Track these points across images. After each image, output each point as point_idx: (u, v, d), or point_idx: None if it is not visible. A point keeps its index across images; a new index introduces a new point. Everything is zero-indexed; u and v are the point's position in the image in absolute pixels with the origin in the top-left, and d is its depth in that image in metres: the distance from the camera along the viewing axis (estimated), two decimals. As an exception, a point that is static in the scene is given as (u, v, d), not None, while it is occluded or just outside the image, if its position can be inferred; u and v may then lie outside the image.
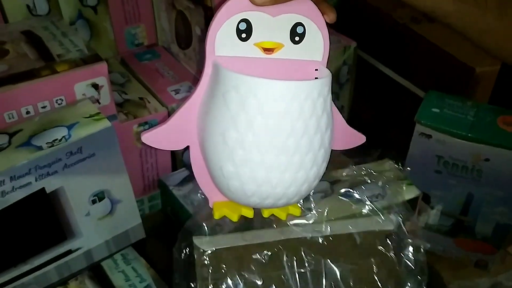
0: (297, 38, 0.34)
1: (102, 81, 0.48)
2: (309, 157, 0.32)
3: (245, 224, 0.39)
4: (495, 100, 0.58)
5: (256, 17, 0.33)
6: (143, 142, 0.35)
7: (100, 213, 0.47)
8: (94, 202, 0.46)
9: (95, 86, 0.48)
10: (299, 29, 0.33)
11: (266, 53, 0.34)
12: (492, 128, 0.49)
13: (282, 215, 0.37)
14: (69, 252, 0.46)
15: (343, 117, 0.38)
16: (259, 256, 0.38)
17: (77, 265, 0.48)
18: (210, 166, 0.34)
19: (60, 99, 0.46)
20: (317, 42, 0.34)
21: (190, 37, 0.61)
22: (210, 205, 0.37)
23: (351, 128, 0.39)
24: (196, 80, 0.61)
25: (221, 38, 0.33)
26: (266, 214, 0.37)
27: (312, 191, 0.37)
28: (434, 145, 0.50)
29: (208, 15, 0.55)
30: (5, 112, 0.44)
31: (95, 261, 0.49)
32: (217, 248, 0.38)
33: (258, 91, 0.30)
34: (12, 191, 0.40)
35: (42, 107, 0.45)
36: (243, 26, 0.33)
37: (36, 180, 0.41)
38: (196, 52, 0.61)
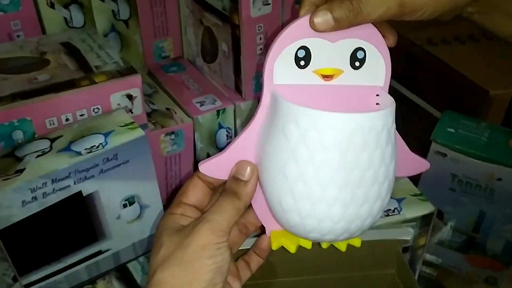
0: (357, 64, 0.33)
1: (136, 92, 0.51)
2: (373, 190, 0.31)
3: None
4: (508, 122, 0.61)
5: (315, 43, 0.32)
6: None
7: (129, 217, 0.49)
8: (125, 206, 0.48)
9: (129, 97, 0.51)
10: (360, 54, 0.32)
11: (325, 80, 0.33)
12: (505, 149, 0.51)
13: (342, 246, 0.35)
14: (99, 252, 0.49)
15: None
16: (280, 258, 0.40)
17: (105, 266, 0.50)
18: (269, 199, 0.33)
19: (97, 108, 0.49)
20: (378, 67, 0.33)
21: (216, 52, 0.64)
22: (268, 233, 0.36)
23: (414, 154, 0.38)
24: (220, 94, 0.64)
25: (280, 67, 0.32)
26: (325, 245, 0.36)
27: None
28: (449, 163, 0.52)
29: (235, 32, 0.58)
30: (46, 118, 0.47)
31: (122, 263, 0.51)
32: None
33: (319, 124, 0.29)
34: (53, 193, 0.43)
35: (80, 115, 0.48)
36: (301, 53, 0.32)
37: (74, 184, 0.44)
38: (222, 66, 0.64)
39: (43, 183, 0.42)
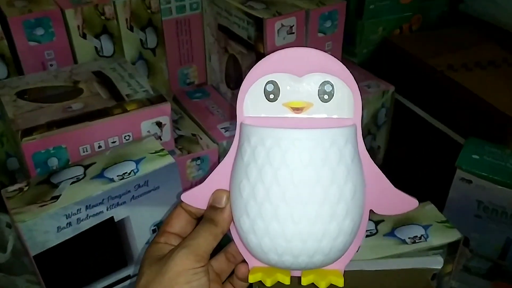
0: (326, 97, 0.33)
1: (165, 120, 0.52)
2: (340, 207, 0.31)
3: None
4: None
5: (282, 78, 0.33)
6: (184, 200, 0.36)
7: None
8: (154, 231, 0.49)
9: (159, 124, 0.52)
10: (327, 88, 0.33)
11: (296, 112, 0.33)
12: (531, 176, 0.51)
13: (321, 284, 0.33)
14: (128, 277, 0.50)
15: (379, 157, 0.37)
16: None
17: (133, 290, 0.51)
18: (239, 227, 0.34)
19: (128, 135, 0.50)
20: (348, 99, 0.33)
21: (240, 79, 0.65)
22: (250, 268, 0.36)
23: (399, 191, 0.36)
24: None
25: (251, 100, 0.33)
26: (304, 282, 0.34)
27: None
28: (474, 190, 0.52)
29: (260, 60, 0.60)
30: (80, 146, 0.48)
31: (149, 287, 0.52)
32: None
33: (282, 141, 0.31)
34: (86, 219, 0.44)
35: (112, 142, 0.50)
36: (270, 87, 0.33)
37: (107, 210, 0.45)
38: (246, 93, 0.66)
39: (78, 209, 0.43)
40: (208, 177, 0.35)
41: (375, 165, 0.34)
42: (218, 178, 0.35)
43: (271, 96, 0.33)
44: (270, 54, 0.33)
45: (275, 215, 0.31)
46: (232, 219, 0.35)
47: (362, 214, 0.34)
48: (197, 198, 0.36)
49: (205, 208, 0.36)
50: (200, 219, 0.36)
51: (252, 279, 0.34)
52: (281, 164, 0.31)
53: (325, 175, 0.30)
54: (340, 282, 0.34)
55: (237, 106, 0.34)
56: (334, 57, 0.33)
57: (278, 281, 0.34)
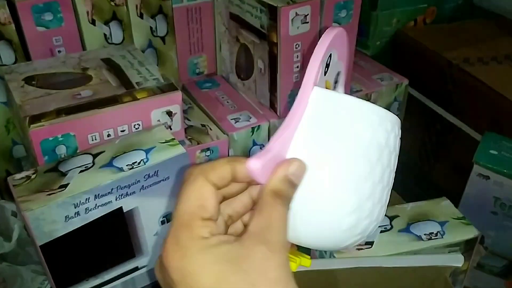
0: (326, 69, 0.33)
1: (176, 108, 0.51)
2: (386, 191, 0.31)
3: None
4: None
5: (335, 54, 0.33)
6: None
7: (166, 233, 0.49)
8: (163, 222, 0.48)
9: (169, 113, 0.51)
10: (329, 60, 0.33)
11: None
12: (550, 172, 0.50)
13: (293, 266, 0.31)
14: (136, 269, 0.49)
15: None
16: (325, 282, 0.39)
17: (141, 282, 0.50)
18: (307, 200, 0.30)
19: (137, 124, 0.49)
20: (341, 85, 0.35)
21: (251, 69, 0.64)
22: None
23: None
24: (254, 110, 0.64)
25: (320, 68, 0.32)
26: (293, 268, 0.31)
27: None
28: (491, 186, 0.51)
29: (272, 50, 0.58)
30: (89, 134, 0.47)
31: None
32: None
33: (383, 121, 0.30)
34: (95, 209, 0.43)
35: (122, 131, 0.49)
36: (329, 61, 0.32)
37: (116, 200, 0.44)
38: (257, 83, 0.64)
39: (86, 199, 0.42)
40: (275, 145, 0.29)
41: None
42: (285, 147, 0.29)
43: (326, 70, 0.32)
44: (341, 28, 0.33)
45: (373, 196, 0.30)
46: None
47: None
48: (264, 169, 0.28)
49: (264, 182, 0.28)
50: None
51: None
52: (392, 149, 0.31)
53: (386, 157, 0.30)
54: (308, 262, 0.32)
55: (310, 71, 0.30)
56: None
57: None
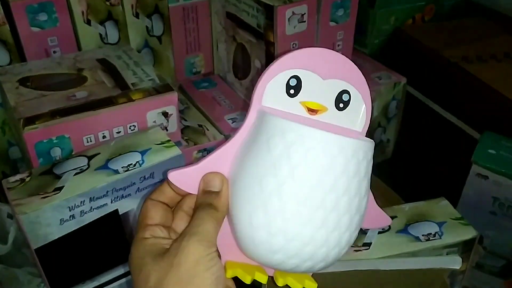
0: (341, 105, 0.33)
1: (172, 109, 0.50)
2: (345, 218, 0.30)
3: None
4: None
5: (308, 76, 0.33)
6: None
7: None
8: (159, 225, 0.48)
9: (165, 114, 0.50)
10: (345, 97, 0.33)
11: (310, 113, 0.33)
12: (549, 172, 0.50)
13: (297, 286, 0.33)
14: (132, 271, 0.48)
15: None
16: (322, 285, 0.39)
17: (138, 285, 0.50)
18: (236, 215, 0.32)
19: (133, 125, 0.49)
20: (360, 113, 0.34)
21: (248, 68, 0.64)
22: (223, 262, 0.34)
23: (379, 209, 0.36)
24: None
25: (271, 90, 0.33)
26: (280, 283, 0.33)
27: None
28: (490, 186, 0.51)
29: (269, 49, 0.58)
30: (84, 136, 0.47)
31: (154, 282, 0.51)
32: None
33: (306, 140, 0.30)
34: (90, 211, 0.43)
35: (117, 132, 0.48)
36: (293, 82, 0.32)
37: (111, 202, 0.43)
38: (254, 83, 0.64)
39: (81, 201, 0.42)
40: (206, 159, 0.33)
41: None
42: (216, 163, 0.33)
43: (292, 92, 0.33)
44: (303, 49, 0.33)
45: (296, 215, 0.30)
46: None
47: (358, 229, 0.32)
48: (187, 180, 0.33)
49: (191, 192, 0.33)
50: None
51: (230, 273, 0.33)
52: (315, 166, 0.30)
53: (341, 184, 0.30)
54: (314, 286, 0.34)
55: (255, 93, 0.33)
56: (353, 63, 0.33)
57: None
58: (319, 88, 0.33)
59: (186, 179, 0.33)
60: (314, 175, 0.30)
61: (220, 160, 0.33)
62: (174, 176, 0.33)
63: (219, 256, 0.32)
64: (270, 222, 0.30)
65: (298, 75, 0.32)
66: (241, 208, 0.32)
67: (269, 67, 0.32)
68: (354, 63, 0.34)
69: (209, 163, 0.33)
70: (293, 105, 0.33)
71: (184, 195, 0.34)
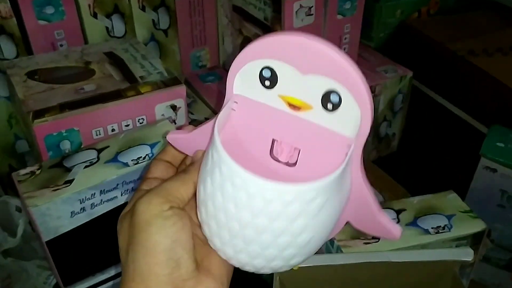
0: (329, 106, 0.27)
1: (180, 103, 0.50)
2: (288, 251, 0.28)
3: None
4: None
5: (283, 68, 0.27)
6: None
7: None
8: (168, 217, 0.48)
9: (173, 107, 0.50)
10: (334, 98, 0.26)
11: (292, 109, 0.28)
12: (557, 165, 0.50)
13: None
14: (142, 264, 0.49)
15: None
16: (333, 277, 0.39)
17: (147, 277, 0.50)
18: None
19: (142, 118, 0.49)
20: (353, 118, 0.26)
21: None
22: None
23: (386, 219, 0.29)
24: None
25: (242, 79, 0.28)
26: None
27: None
28: (498, 179, 0.51)
29: (277, 42, 0.58)
30: (93, 129, 0.47)
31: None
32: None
33: (250, 188, 0.26)
34: (100, 204, 0.43)
35: (126, 125, 0.48)
36: (267, 73, 0.27)
37: (121, 195, 0.43)
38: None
39: (92, 194, 0.42)
40: (198, 129, 0.31)
41: (368, 189, 0.29)
42: (205, 135, 0.30)
43: (267, 83, 0.28)
44: (273, 34, 0.26)
45: (231, 239, 0.28)
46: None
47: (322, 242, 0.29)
48: (181, 143, 0.32)
49: (186, 153, 0.33)
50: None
51: None
52: (261, 213, 0.26)
53: (277, 226, 0.26)
54: None
55: (227, 83, 0.29)
56: (351, 59, 0.25)
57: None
58: (300, 84, 0.27)
59: (180, 142, 0.32)
60: (245, 216, 0.26)
61: (208, 133, 0.30)
62: (171, 137, 0.32)
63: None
64: (219, 233, 0.28)
65: (271, 66, 0.27)
66: (200, 208, 0.29)
67: (237, 55, 0.28)
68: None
69: (199, 134, 0.31)
70: (272, 97, 0.28)
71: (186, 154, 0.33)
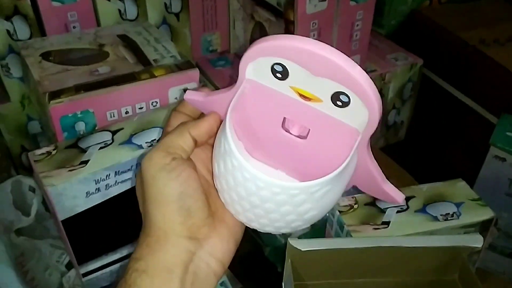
0: (339, 103, 0.28)
1: (193, 86, 0.51)
2: (294, 224, 0.31)
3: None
4: None
5: (294, 67, 0.28)
6: None
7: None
8: (180, 200, 0.49)
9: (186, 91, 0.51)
10: (344, 98, 0.28)
11: (303, 99, 0.29)
12: None
13: None
14: (153, 245, 0.49)
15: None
16: (341, 260, 0.40)
17: (158, 258, 0.51)
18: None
19: (155, 101, 0.49)
20: (361, 116, 0.28)
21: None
22: None
23: (391, 186, 0.33)
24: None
25: (255, 67, 0.29)
26: None
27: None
28: (507, 168, 0.51)
29: (289, 28, 0.58)
30: (108, 111, 0.47)
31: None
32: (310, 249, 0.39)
33: (258, 182, 0.28)
34: (115, 185, 0.43)
35: (140, 108, 0.49)
36: (278, 68, 0.28)
37: (135, 177, 0.44)
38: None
39: (107, 175, 0.42)
40: (213, 97, 0.33)
41: (372, 164, 0.31)
42: (218, 105, 0.32)
43: (279, 76, 0.29)
44: (285, 37, 0.27)
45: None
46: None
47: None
48: (197, 102, 0.34)
49: (201, 110, 0.34)
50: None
51: None
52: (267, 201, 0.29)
53: (284, 209, 0.29)
54: None
55: (239, 69, 0.30)
56: (352, 64, 0.26)
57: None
58: (311, 82, 0.28)
59: (196, 102, 0.34)
60: (267, 206, 0.29)
61: (222, 103, 0.32)
62: (188, 98, 0.34)
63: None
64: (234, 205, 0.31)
65: (283, 64, 0.28)
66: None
67: (249, 48, 0.28)
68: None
69: (216, 99, 0.33)
70: (283, 87, 0.29)
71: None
